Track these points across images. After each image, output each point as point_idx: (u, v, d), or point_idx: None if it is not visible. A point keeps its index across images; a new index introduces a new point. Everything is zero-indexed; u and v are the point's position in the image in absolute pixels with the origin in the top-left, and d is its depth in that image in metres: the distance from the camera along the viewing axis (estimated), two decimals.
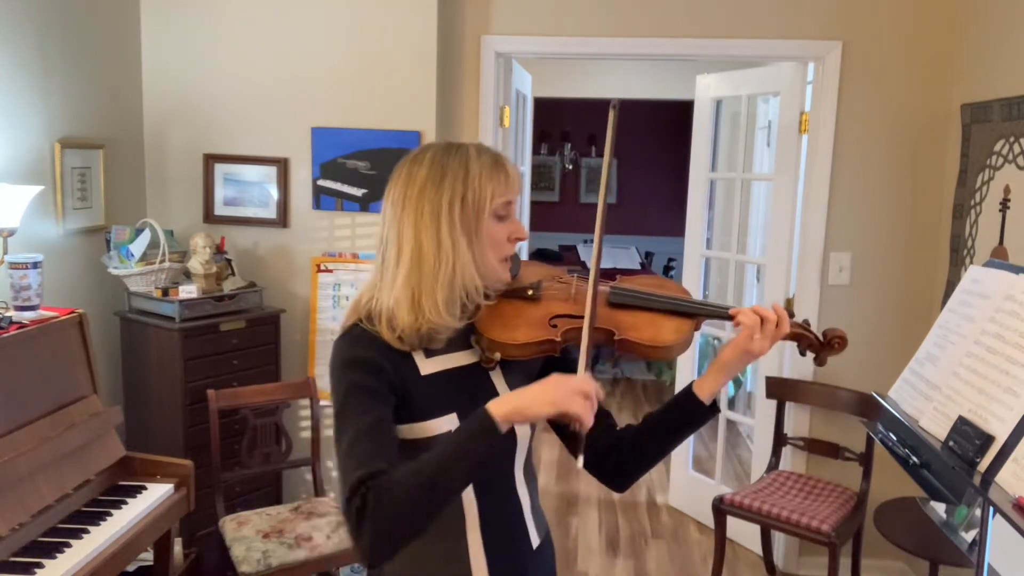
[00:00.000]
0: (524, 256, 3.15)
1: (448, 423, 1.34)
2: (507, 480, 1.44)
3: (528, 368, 1.47)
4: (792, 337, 1.44)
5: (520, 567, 1.43)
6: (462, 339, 1.40)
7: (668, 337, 1.40)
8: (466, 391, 1.38)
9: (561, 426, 1.41)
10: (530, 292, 1.43)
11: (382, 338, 1.32)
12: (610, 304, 1.44)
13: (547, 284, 1.46)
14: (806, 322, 1.47)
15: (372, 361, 1.31)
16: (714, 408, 1.45)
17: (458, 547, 1.37)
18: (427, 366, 1.36)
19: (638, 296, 1.45)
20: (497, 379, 1.43)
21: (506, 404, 1.23)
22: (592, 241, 1.66)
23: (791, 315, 1.43)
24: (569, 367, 1.49)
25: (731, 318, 1.42)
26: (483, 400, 1.31)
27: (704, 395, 1.43)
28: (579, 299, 1.43)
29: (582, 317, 1.37)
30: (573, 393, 1.22)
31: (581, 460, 1.26)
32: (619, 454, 1.48)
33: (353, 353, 1.33)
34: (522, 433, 1.43)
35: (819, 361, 1.47)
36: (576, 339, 1.38)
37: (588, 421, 1.22)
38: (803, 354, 1.49)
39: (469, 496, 1.38)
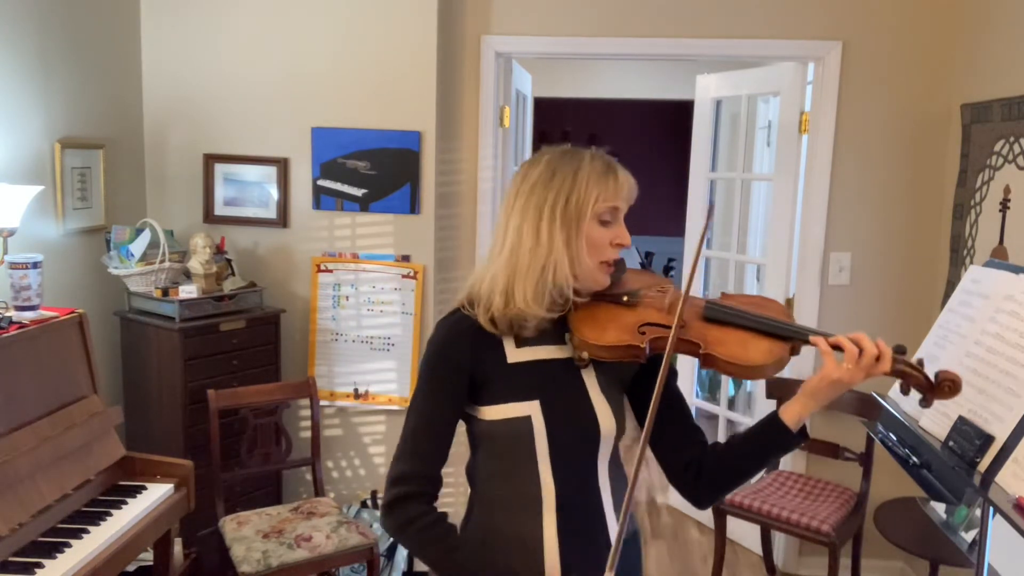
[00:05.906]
0: None
1: (527, 408, 1.41)
2: (589, 474, 1.45)
3: (620, 372, 1.50)
4: (896, 374, 1.38)
5: (593, 561, 1.41)
6: (557, 333, 1.46)
7: (756, 357, 1.39)
8: (553, 383, 1.44)
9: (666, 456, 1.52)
10: (625, 298, 1.46)
11: (477, 322, 1.42)
12: (704, 318, 1.45)
13: (645, 292, 1.49)
14: (920, 362, 1.38)
15: (456, 356, 1.42)
16: (803, 435, 1.44)
17: (534, 527, 1.41)
18: (515, 355, 1.44)
19: (732, 313, 1.45)
20: (588, 378, 1.47)
21: None
22: None
23: (903, 351, 1.38)
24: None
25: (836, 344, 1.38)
26: (569, 394, 1.41)
27: (790, 421, 1.43)
28: (673, 310, 1.43)
29: (671, 327, 1.39)
30: None
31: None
32: (699, 471, 1.49)
33: (444, 343, 1.44)
34: (606, 430, 1.44)
35: (925, 403, 1.39)
36: (663, 348, 1.39)
37: None
38: (905, 393, 1.41)
39: (547, 479, 1.41)
